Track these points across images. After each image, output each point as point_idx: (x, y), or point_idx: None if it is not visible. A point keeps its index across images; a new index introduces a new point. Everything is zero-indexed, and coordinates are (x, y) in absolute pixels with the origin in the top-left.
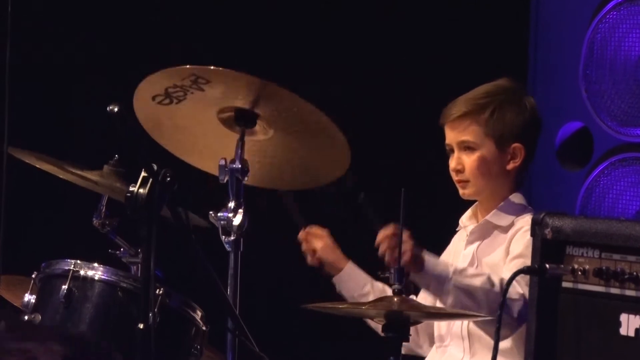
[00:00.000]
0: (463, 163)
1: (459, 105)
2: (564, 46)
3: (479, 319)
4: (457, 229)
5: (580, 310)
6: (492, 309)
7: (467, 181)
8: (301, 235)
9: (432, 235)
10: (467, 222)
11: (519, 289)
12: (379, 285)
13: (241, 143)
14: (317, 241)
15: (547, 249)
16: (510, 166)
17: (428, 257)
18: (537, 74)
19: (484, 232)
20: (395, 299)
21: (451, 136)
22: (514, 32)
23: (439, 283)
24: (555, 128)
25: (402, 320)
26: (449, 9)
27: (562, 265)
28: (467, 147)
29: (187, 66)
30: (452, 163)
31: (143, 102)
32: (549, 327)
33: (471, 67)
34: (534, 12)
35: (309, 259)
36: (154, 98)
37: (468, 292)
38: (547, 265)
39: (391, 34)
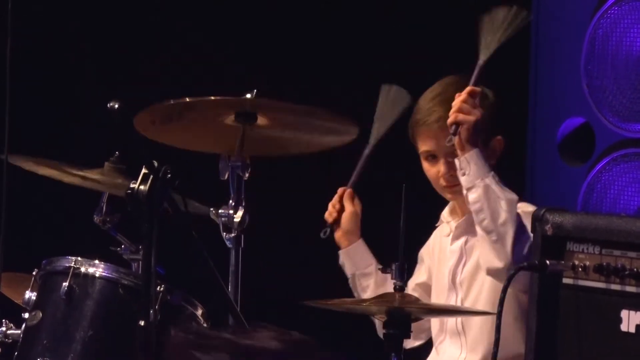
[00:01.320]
0: (453, 168)
1: (443, 109)
2: (565, 41)
3: (479, 315)
4: (436, 225)
5: (581, 307)
6: (504, 222)
7: (459, 184)
8: (339, 191)
9: (416, 232)
10: (448, 217)
11: (504, 214)
12: (383, 275)
13: (241, 140)
14: (349, 205)
15: (547, 245)
16: (492, 161)
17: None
18: (538, 69)
19: (469, 227)
20: (397, 296)
21: (434, 144)
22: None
23: (478, 172)
24: (556, 123)
25: (403, 317)
26: (449, 4)
27: (563, 262)
28: (455, 152)
29: (171, 102)
30: (442, 169)
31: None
32: (550, 324)
33: (471, 63)
34: (535, 7)
35: (329, 212)
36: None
37: (497, 195)
38: (548, 262)
39: (388, 31)
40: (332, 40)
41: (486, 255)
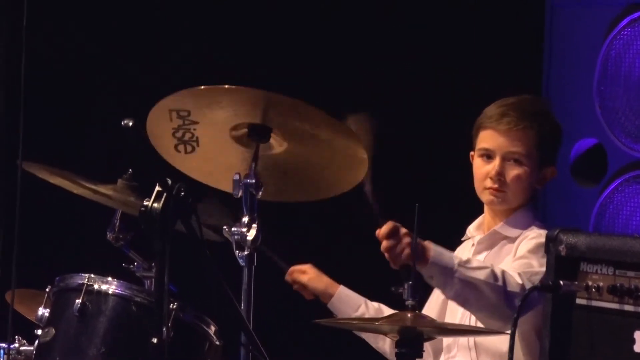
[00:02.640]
0: (504, 173)
1: (517, 116)
2: (578, 63)
3: (492, 334)
4: (462, 239)
5: (594, 327)
6: (492, 303)
7: (504, 191)
8: (287, 277)
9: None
10: (474, 232)
11: (518, 279)
12: (374, 304)
13: (255, 158)
14: (303, 276)
15: (561, 265)
16: (539, 185)
17: (433, 248)
18: (550, 90)
19: (491, 242)
20: (409, 315)
21: (499, 143)
22: (529, 48)
23: (443, 274)
24: (569, 144)
25: (415, 336)
26: (465, 26)
27: (576, 282)
28: (515, 159)
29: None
30: (493, 169)
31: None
32: (563, 344)
33: (485, 83)
34: (548, 28)
35: (305, 295)
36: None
37: (472, 285)
38: (561, 282)
39: (407, 45)
40: (346, 45)
41: (491, 325)
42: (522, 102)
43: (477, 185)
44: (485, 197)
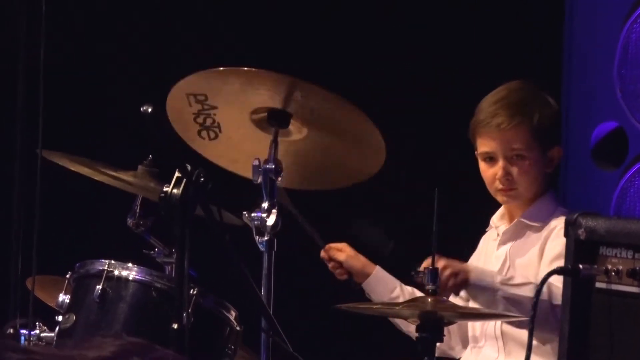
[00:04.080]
0: (510, 171)
1: (507, 114)
2: (598, 46)
3: (514, 319)
4: (487, 229)
5: (614, 311)
6: (539, 318)
7: (515, 189)
8: (323, 255)
9: (462, 235)
10: (498, 222)
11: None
12: (408, 288)
13: (275, 143)
14: (340, 254)
15: (580, 249)
16: (549, 169)
17: (473, 271)
18: (571, 74)
19: (517, 233)
20: (429, 299)
21: (497, 145)
22: (549, 33)
23: (487, 295)
24: (590, 128)
25: (436, 321)
26: (484, 8)
27: (596, 266)
28: (517, 155)
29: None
30: (500, 171)
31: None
32: (582, 328)
33: (505, 67)
34: (568, 12)
35: (337, 273)
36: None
37: (517, 302)
38: (581, 266)
39: (424, 33)
40: (361, 40)
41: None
42: (510, 94)
43: (489, 187)
44: (499, 198)
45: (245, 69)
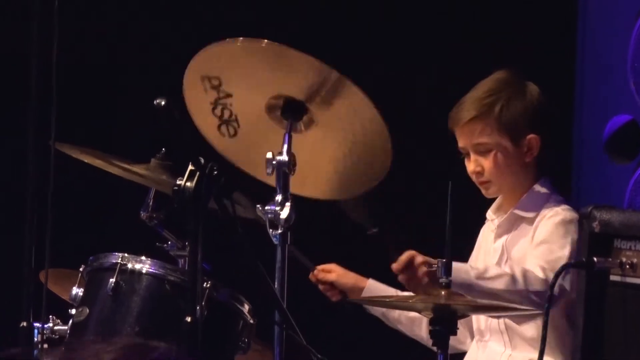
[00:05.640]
0: (481, 165)
1: (467, 109)
2: (612, 39)
3: (526, 313)
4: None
5: (628, 304)
6: (522, 301)
7: (488, 182)
8: (312, 278)
9: (461, 228)
10: (493, 215)
11: (541, 274)
12: (406, 294)
13: (288, 136)
14: (329, 275)
15: (594, 242)
16: (528, 158)
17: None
18: (585, 67)
19: (511, 225)
20: (443, 292)
21: (464, 140)
22: (562, 26)
23: (465, 289)
24: (603, 121)
25: (449, 314)
26: (497, 3)
27: (610, 259)
28: (482, 150)
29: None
30: (470, 166)
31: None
32: (597, 321)
33: (519, 61)
34: (582, 5)
35: (330, 295)
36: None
37: (494, 295)
38: (595, 259)
39: (438, 26)
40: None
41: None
42: (478, 88)
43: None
44: (482, 192)
45: (265, 42)
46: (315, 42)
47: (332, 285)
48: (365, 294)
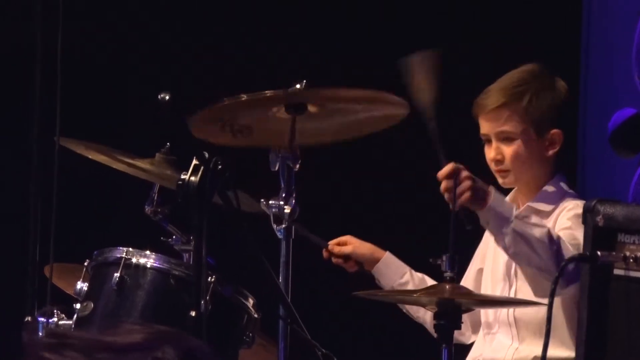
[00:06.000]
0: (502, 153)
1: (495, 96)
2: (616, 33)
3: (530, 306)
4: None
5: (632, 298)
6: (542, 262)
7: (507, 171)
8: (326, 254)
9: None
10: None
11: (572, 249)
12: (419, 275)
13: (292, 131)
14: (345, 247)
15: (598, 236)
16: (549, 153)
17: (494, 193)
18: (589, 61)
19: None
20: (447, 287)
21: (488, 127)
22: (567, 19)
23: (499, 222)
24: (608, 115)
25: (454, 308)
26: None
27: (614, 253)
28: (506, 138)
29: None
30: (491, 153)
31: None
32: (600, 315)
33: (523, 53)
34: None
35: (347, 266)
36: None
37: (526, 239)
38: (599, 253)
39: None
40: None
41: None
42: (509, 77)
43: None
44: (498, 180)
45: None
46: (315, 42)
47: (348, 257)
48: (380, 265)
